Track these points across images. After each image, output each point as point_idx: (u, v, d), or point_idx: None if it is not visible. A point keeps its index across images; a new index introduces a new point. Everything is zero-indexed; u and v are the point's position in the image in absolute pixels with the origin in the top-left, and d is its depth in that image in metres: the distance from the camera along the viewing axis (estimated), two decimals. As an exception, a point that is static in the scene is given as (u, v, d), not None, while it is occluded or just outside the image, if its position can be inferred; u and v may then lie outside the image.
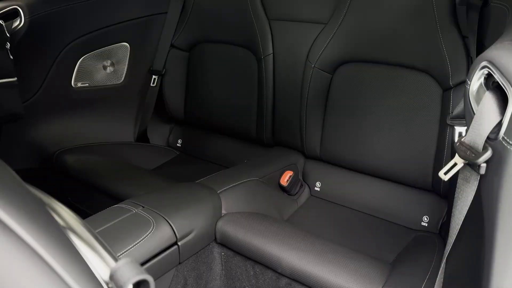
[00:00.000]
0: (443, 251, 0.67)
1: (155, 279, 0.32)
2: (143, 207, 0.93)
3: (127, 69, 1.49)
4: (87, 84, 1.44)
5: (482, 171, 0.57)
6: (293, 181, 1.24)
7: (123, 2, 1.43)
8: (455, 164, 0.62)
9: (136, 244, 0.82)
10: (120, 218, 0.88)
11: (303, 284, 0.85)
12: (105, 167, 1.29)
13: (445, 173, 0.64)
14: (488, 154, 0.55)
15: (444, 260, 0.68)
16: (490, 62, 0.58)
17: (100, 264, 0.33)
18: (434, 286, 0.69)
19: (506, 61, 0.57)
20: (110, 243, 0.33)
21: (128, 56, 1.48)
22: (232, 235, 0.95)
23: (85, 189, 1.29)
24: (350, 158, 1.22)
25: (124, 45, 1.46)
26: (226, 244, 0.97)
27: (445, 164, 0.66)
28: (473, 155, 0.57)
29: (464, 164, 0.61)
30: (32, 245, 0.27)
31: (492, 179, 0.54)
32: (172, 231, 0.89)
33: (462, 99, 0.67)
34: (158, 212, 0.91)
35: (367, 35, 1.15)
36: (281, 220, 1.08)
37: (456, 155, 0.61)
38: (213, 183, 1.10)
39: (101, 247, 0.34)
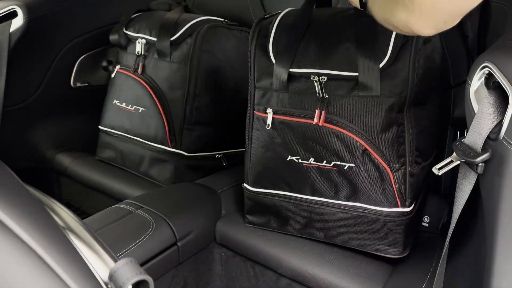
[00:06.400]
0: (444, 251, 0.67)
1: (154, 280, 0.32)
2: (142, 207, 0.93)
3: (127, 69, 1.48)
4: (86, 84, 1.44)
5: (480, 170, 0.57)
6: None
7: (123, 1, 1.43)
8: (451, 162, 0.63)
9: (135, 244, 0.82)
10: (119, 218, 0.88)
11: (303, 284, 0.85)
12: (105, 167, 1.29)
13: (439, 169, 0.64)
14: (487, 155, 0.55)
15: (445, 260, 0.68)
16: (491, 61, 0.58)
17: (99, 264, 0.33)
18: (434, 286, 0.69)
19: (506, 61, 0.57)
20: (109, 244, 0.33)
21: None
22: (232, 235, 0.95)
23: (84, 189, 1.29)
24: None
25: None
26: (226, 245, 0.97)
27: (446, 165, 0.66)
28: (472, 154, 0.57)
29: (463, 162, 0.61)
30: (31, 245, 0.27)
31: (492, 179, 0.54)
32: (172, 232, 0.89)
33: (463, 99, 0.67)
34: (157, 213, 0.91)
35: (367, 35, 1.16)
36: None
37: (454, 153, 0.61)
38: (213, 183, 1.10)
39: (100, 247, 0.34)
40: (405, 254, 0.83)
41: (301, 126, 0.83)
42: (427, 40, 0.79)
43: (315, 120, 0.80)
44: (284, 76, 0.83)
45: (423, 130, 0.83)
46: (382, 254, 0.83)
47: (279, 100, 0.85)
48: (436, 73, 0.86)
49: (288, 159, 0.85)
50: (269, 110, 0.86)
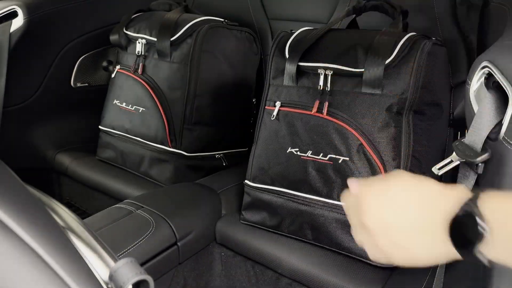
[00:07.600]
0: (443, 251, 0.67)
1: (154, 280, 0.32)
2: (142, 207, 0.93)
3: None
4: (86, 84, 1.44)
5: (480, 170, 0.57)
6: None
7: (123, 1, 1.43)
8: (451, 162, 0.63)
9: (136, 244, 0.82)
10: (119, 218, 0.88)
11: (303, 284, 0.85)
12: (105, 167, 1.29)
13: (439, 169, 0.65)
14: (486, 155, 0.55)
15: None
16: (491, 62, 0.58)
17: (99, 264, 0.33)
18: (434, 286, 0.69)
19: (506, 61, 0.57)
20: (110, 243, 0.33)
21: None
22: (232, 235, 0.95)
23: (84, 189, 1.29)
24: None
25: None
26: (226, 245, 0.97)
27: (446, 165, 0.66)
28: (471, 154, 0.57)
29: (463, 162, 0.61)
30: (31, 245, 0.27)
31: (492, 179, 0.54)
32: (172, 231, 0.89)
33: (463, 99, 0.67)
34: (157, 212, 0.91)
35: (367, 35, 1.16)
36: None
37: (454, 153, 0.61)
38: (213, 183, 1.10)
39: (101, 247, 0.34)
40: (394, 265, 0.82)
41: (303, 117, 0.87)
42: (431, 52, 0.81)
43: (313, 110, 0.85)
44: (294, 69, 0.89)
45: (422, 141, 0.83)
46: (369, 262, 0.82)
47: (288, 94, 0.91)
48: (438, 87, 0.87)
49: (288, 151, 0.88)
50: (278, 103, 0.91)
